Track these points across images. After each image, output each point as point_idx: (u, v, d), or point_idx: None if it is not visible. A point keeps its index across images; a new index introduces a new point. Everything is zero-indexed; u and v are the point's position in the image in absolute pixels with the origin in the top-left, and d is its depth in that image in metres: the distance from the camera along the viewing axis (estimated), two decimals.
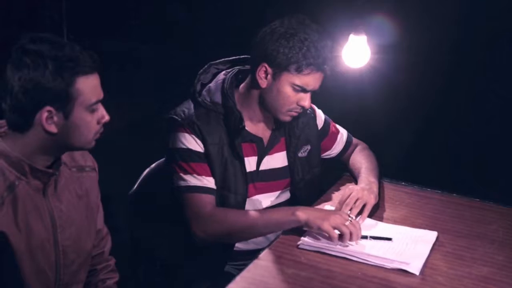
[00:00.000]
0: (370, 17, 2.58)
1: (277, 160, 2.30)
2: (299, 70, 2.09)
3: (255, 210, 2.19)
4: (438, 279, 1.87)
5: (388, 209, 2.29)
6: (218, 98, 2.19)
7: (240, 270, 1.89)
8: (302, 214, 2.01)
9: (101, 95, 1.69)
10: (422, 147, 3.57)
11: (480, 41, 3.37)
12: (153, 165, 2.39)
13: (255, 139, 2.24)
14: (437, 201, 2.37)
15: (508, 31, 3.25)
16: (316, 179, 2.40)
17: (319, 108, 2.44)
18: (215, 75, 2.26)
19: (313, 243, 1.99)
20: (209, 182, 2.15)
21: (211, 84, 2.23)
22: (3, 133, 1.68)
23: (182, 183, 2.14)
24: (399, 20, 3.15)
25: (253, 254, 1.98)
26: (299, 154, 2.34)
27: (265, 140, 2.28)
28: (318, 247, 1.98)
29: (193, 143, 2.15)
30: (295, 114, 2.19)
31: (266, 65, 2.11)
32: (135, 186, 2.32)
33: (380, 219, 2.21)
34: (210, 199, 2.14)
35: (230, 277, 1.86)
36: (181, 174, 2.14)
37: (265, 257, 1.95)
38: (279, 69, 2.10)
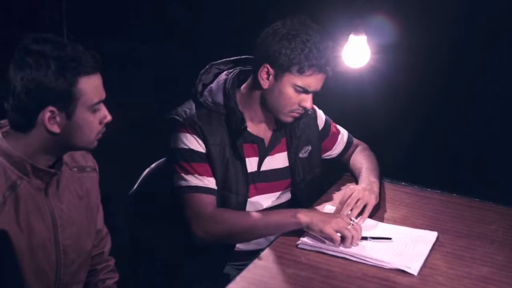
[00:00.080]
0: (370, 17, 2.58)
1: (278, 160, 2.30)
2: (301, 71, 2.09)
3: (256, 211, 2.19)
4: (438, 279, 1.87)
5: (388, 209, 2.29)
6: (220, 98, 2.19)
7: (240, 270, 1.89)
8: (304, 216, 2.01)
9: (103, 95, 1.70)
10: (422, 147, 3.56)
11: (480, 41, 3.37)
12: (153, 165, 2.39)
13: (256, 140, 2.24)
14: (437, 201, 2.38)
15: (508, 31, 3.25)
16: (316, 180, 2.40)
17: (319, 108, 2.44)
18: (216, 75, 2.26)
19: (312, 243, 2.00)
20: (210, 182, 2.15)
21: (213, 85, 2.22)
22: (5, 132, 1.68)
23: (183, 183, 2.14)
24: (399, 20, 3.15)
25: (253, 255, 1.98)
26: (300, 155, 2.34)
27: (266, 141, 2.28)
28: (317, 247, 1.98)
29: (194, 143, 2.15)
30: (296, 115, 2.19)
31: (268, 66, 2.11)
32: (135, 186, 2.32)
33: (380, 219, 2.21)
34: (211, 199, 2.14)
35: (230, 278, 1.86)
36: (182, 174, 2.14)
37: (265, 257, 1.96)
38: (281, 70, 2.10)
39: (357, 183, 2.35)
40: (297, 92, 2.13)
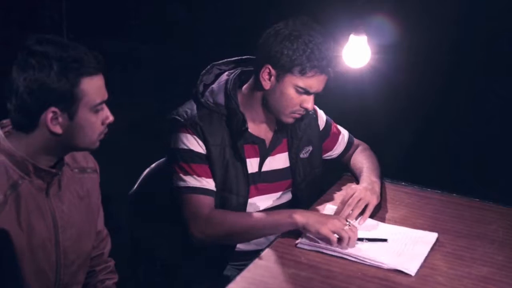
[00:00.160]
0: (370, 17, 2.57)
1: (278, 161, 2.30)
2: (302, 73, 2.09)
3: (253, 212, 2.19)
4: (438, 279, 1.87)
5: (388, 209, 2.29)
6: (221, 99, 2.19)
7: (241, 270, 1.89)
8: (300, 217, 2.01)
9: (105, 95, 1.70)
10: (422, 147, 3.57)
11: (480, 41, 3.37)
12: (153, 165, 2.39)
13: (257, 141, 2.24)
14: (437, 201, 2.38)
15: (508, 31, 3.25)
16: (317, 180, 2.40)
17: (320, 108, 2.44)
18: (217, 75, 2.26)
19: (311, 243, 2.00)
20: (208, 183, 2.15)
21: (214, 85, 2.22)
22: (7, 132, 1.69)
23: (182, 184, 2.14)
24: (399, 20, 3.15)
25: (254, 255, 1.98)
26: (301, 155, 2.34)
27: (267, 142, 2.28)
28: (316, 246, 1.99)
29: (194, 144, 2.15)
30: (298, 116, 2.19)
31: (270, 67, 2.11)
32: (135, 186, 2.32)
33: (381, 219, 2.21)
34: (209, 200, 2.14)
35: (230, 278, 1.86)
36: (181, 175, 2.14)
37: (266, 257, 1.96)
38: (282, 71, 2.10)
39: (357, 183, 2.35)
40: (298, 93, 2.12)
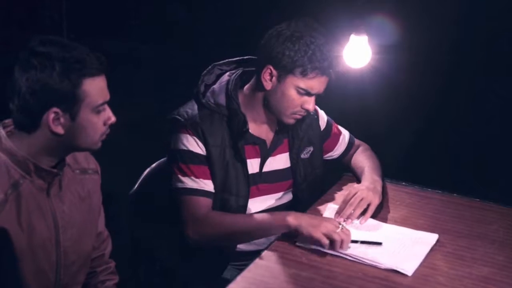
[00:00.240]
0: (371, 17, 2.57)
1: (279, 161, 2.30)
2: (304, 74, 2.08)
3: (250, 214, 2.19)
4: (438, 279, 1.87)
5: (389, 209, 2.29)
6: (222, 100, 2.18)
7: (241, 270, 1.89)
8: (293, 220, 2.01)
9: (107, 96, 1.70)
10: (422, 147, 3.57)
11: (480, 41, 3.38)
12: (154, 164, 2.39)
13: (258, 141, 2.24)
14: (438, 201, 2.37)
15: (508, 31, 3.25)
16: (318, 180, 2.40)
17: (320, 108, 2.44)
18: (219, 76, 2.25)
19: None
20: (206, 185, 2.15)
21: (215, 86, 2.22)
22: (9, 132, 1.69)
23: (179, 185, 2.14)
24: (400, 20, 3.15)
25: (255, 255, 1.98)
26: (302, 156, 2.34)
27: (268, 142, 2.27)
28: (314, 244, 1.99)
29: (194, 145, 2.15)
30: (299, 117, 2.19)
31: (271, 67, 2.11)
32: (136, 186, 2.32)
33: (381, 219, 2.21)
34: (206, 202, 2.14)
35: (230, 279, 1.86)
36: (179, 176, 2.14)
37: (266, 257, 1.96)
38: (284, 71, 2.10)
39: (359, 182, 2.35)
40: (299, 94, 2.12)
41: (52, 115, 1.62)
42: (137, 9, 4.84)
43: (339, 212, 2.19)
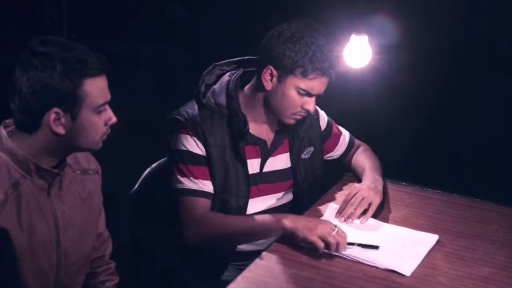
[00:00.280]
0: (371, 18, 2.57)
1: (280, 161, 2.30)
2: (304, 74, 2.08)
3: (248, 215, 2.19)
4: (439, 279, 1.87)
5: (389, 209, 2.29)
6: (222, 100, 2.18)
7: (241, 270, 1.89)
8: (288, 222, 2.01)
9: (108, 96, 1.70)
10: (422, 147, 3.57)
11: (480, 41, 3.38)
12: (154, 164, 2.39)
13: (258, 142, 2.24)
14: (438, 201, 2.37)
15: (508, 31, 3.25)
16: (318, 180, 2.40)
17: (320, 108, 2.44)
18: (219, 76, 2.25)
19: None
20: (205, 186, 2.15)
21: (216, 86, 2.22)
22: (10, 132, 1.69)
23: (178, 185, 2.14)
24: (400, 20, 3.15)
25: (255, 255, 1.98)
26: (302, 156, 2.34)
27: (269, 142, 2.27)
28: None
29: (194, 146, 2.14)
30: (299, 117, 2.19)
31: (272, 68, 2.11)
32: (136, 186, 2.32)
33: (381, 219, 2.21)
34: (204, 203, 2.14)
35: (230, 280, 1.86)
36: (178, 176, 2.14)
37: (266, 257, 1.96)
38: (284, 72, 2.09)
39: (359, 182, 2.35)
40: (300, 94, 2.12)
41: (53, 115, 1.62)
42: (137, 9, 4.84)
43: (340, 212, 2.19)
